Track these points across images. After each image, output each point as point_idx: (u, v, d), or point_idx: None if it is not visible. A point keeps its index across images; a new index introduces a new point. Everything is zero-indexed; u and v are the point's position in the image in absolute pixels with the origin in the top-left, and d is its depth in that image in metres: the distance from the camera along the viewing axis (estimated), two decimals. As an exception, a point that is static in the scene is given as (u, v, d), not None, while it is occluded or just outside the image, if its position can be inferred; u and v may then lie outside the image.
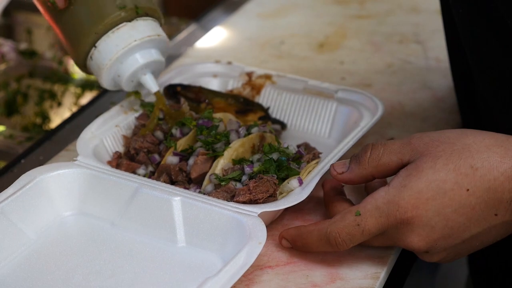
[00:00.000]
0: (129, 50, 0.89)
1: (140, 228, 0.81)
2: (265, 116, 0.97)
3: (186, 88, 0.98)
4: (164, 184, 0.82)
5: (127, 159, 0.88)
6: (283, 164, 0.83)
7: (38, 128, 1.29)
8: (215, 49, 1.23)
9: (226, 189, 0.81)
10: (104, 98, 1.10)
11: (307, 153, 0.87)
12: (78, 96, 1.32)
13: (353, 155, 0.79)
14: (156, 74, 0.93)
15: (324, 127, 0.97)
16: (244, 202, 0.79)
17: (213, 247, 0.78)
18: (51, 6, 0.89)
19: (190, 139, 0.88)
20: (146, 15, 0.90)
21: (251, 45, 1.23)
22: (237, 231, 0.76)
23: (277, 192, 0.81)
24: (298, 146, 0.89)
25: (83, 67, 0.91)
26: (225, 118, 0.91)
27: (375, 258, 0.79)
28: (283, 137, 0.97)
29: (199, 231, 0.79)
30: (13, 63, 1.36)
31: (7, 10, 1.51)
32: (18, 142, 1.10)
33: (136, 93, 0.94)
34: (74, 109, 1.28)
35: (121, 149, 0.91)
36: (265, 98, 1.01)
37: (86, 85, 1.33)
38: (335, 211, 0.79)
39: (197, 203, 0.79)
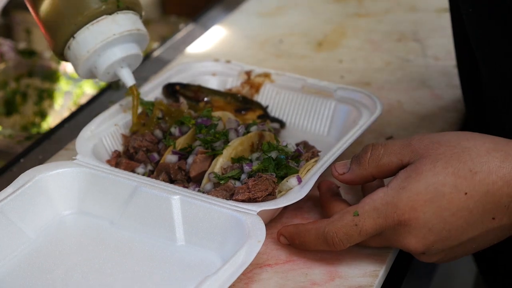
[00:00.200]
0: (107, 44, 0.88)
1: (139, 227, 0.81)
2: (264, 115, 0.98)
3: (185, 87, 0.98)
4: (163, 182, 0.83)
5: (126, 158, 0.89)
6: (282, 162, 0.83)
7: (37, 128, 1.29)
8: (214, 47, 1.23)
9: (225, 188, 0.81)
10: (103, 97, 1.10)
11: (306, 152, 0.87)
12: (77, 96, 1.32)
13: (354, 155, 0.80)
14: (133, 67, 0.92)
15: (323, 125, 0.98)
16: (243, 201, 0.79)
17: (212, 246, 0.78)
18: None
19: (189, 137, 0.88)
20: (127, 8, 0.89)
21: (250, 43, 1.23)
22: (236, 229, 0.76)
23: (276, 191, 0.81)
24: (297, 145, 0.89)
25: (60, 55, 0.91)
26: (224, 117, 0.91)
27: (374, 256, 0.79)
28: (282, 136, 0.97)
29: (198, 229, 0.79)
30: (12, 62, 1.36)
31: (6, 9, 1.51)
32: (17, 142, 1.10)
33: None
34: (73, 108, 1.28)
35: (120, 148, 0.91)
36: (264, 96, 1.01)
37: (85, 85, 1.33)
38: (332, 212, 0.79)
39: (196, 202, 0.79)
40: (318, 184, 0.83)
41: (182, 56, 1.20)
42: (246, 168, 0.83)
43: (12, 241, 0.79)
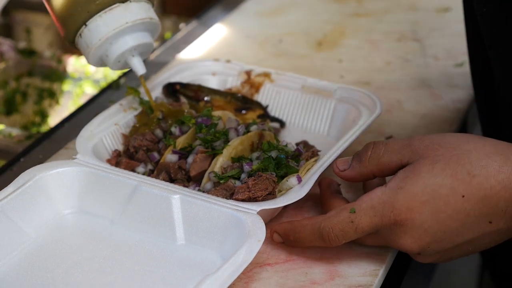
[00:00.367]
0: (120, 32, 0.87)
1: (139, 226, 0.81)
2: (264, 114, 0.98)
3: (185, 86, 0.98)
4: (163, 182, 0.83)
5: (127, 157, 0.89)
6: (282, 162, 0.83)
7: (37, 127, 1.29)
8: (214, 47, 1.23)
9: (225, 187, 0.81)
10: (103, 97, 1.10)
11: (306, 151, 0.87)
12: (78, 95, 1.33)
13: (356, 153, 0.80)
14: (144, 56, 0.92)
15: (323, 125, 0.98)
16: (243, 200, 0.79)
17: (212, 245, 0.78)
18: None
19: (189, 137, 0.88)
20: None
21: (250, 43, 1.24)
22: (236, 228, 0.77)
23: (276, 190, 0.81)
24: (297, 144, 0.89)
25: (71, 42, 0.90)
26: (224, 116, 0.91)
27: (374, 255, 0.79)
28: (282, 135, 0.97)
29: (198, 229, 0.79)
30: (12, 62, 1.36)
31: (6, 9, 1.51)
32: (18, 141, 1.11)
33: (135, 91, 0.94)
34: (73, 107, 1.29)
35: (120, 147, 0.91)
36: (264, 96, 1.01)
37: (85, 84, 1.33)
38: (330, 208, 0.79)
39: (196, 201, 0.79)
40: (318, 181, 0.83)
41: (182, 55, 1.20)
42: (246, 167, 0.83)
43: (12, 240, 0.79)
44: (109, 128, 0.91)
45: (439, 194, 0.72)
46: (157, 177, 0.85)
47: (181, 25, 1.33)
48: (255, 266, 0.78)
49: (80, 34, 0.88)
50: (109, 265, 0.77)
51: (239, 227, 0.76)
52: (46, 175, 0.83)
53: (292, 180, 0.82)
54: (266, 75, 1.02)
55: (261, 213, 0.77)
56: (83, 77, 1.34)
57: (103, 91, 1.11)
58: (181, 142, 0.87)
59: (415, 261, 0.78)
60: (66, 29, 0.88)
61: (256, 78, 1.02)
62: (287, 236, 0.78)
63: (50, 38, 1.54)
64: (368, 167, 0.78)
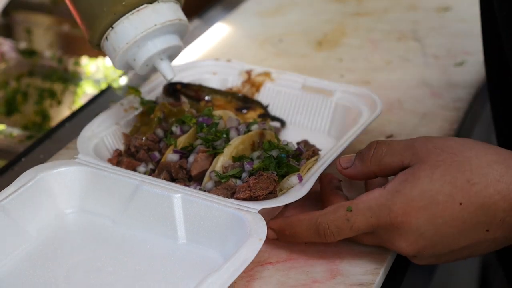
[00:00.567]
0: (148, 35, 0.83)
1: (141, 225, 0.81)
2: (265, 114, 0.98)
3: (186, 86, 0.98)
4: (164, 181, 0.83)
5: (128, 157, 0.89)
6: (283, 161, 0.83)
7: (38, 127, 1.29)
8: (215, 47, 1.23)
9: (226, 186, 0.82)
10: (104, 97, 1.10)
11: (307, 150, 0.87)
12: (78, 95, 1.33)
13: (359, 151, 0.80)
14: (173, 59, 0.88)
15: (323, 124, 0.98)
16: (244, 199, 0.80)
17: (213, 244, 0.78)
18: None
19: (190, 136, 0.88)
20: None
21: (250, 43, 1.24)
22: (237, 227, 0.77)
23: (277, 189, 0.81)
24: (298, 143, 0.89)
25: (96, 46, 0.85)
26: (225, 116, 0.92)
27: (375, 254, 0.79)
28: (283, 135, 0.97)
29: (199, 228, 0.79)
30: (12, 62, 1.36)
31: (7, 9, 1.51)
32: (19, 141, 1.11)
33: (136, 91, 0.94)
34: (74, 107, 1.29)
35: (121, 147, 0.92)
36: (264, 95, 1.01)
37: (86, 84, 1.33)
38: (329, 204, 0.79)
39: (198, 200, 0.79)
40: (320, 177, 0.83)
41: (182, 55, 1.20)
42: (247, 166, 0.83)
43: (14, 240, 0.79)
44: (110, 127, 0.92)
45: (436, 200, 0.72)
46: (158, 176, 0.85)
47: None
48: (256, 265, 0.78)
49: (106, 37, 0.84)
50: (111, 264, 0.77)
51: (240, 226, 0.76)
52: (48, 175, 0.83)
53: (293, 179, 0.82)
54: (267, 74, 1.02)
55: (262, 212, 0.78)
56: (84, 77, 1.35)
57: (103, 91, 1.12)
58: (182, 141, 0.87)
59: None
60: (91, 32, 0.84)
61: (257, 78, 1.02)
62: (283, 231, 0.79)
63: (51, 39, 1.54)
64: (370, 166, 0.78)
